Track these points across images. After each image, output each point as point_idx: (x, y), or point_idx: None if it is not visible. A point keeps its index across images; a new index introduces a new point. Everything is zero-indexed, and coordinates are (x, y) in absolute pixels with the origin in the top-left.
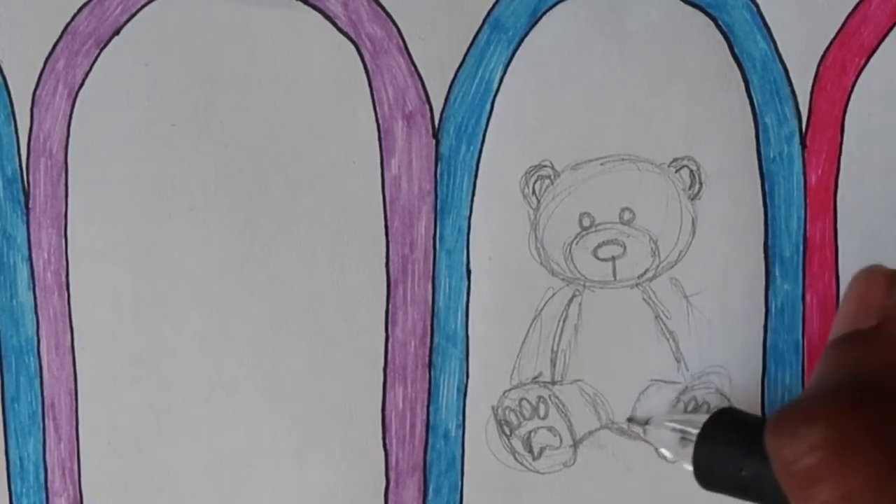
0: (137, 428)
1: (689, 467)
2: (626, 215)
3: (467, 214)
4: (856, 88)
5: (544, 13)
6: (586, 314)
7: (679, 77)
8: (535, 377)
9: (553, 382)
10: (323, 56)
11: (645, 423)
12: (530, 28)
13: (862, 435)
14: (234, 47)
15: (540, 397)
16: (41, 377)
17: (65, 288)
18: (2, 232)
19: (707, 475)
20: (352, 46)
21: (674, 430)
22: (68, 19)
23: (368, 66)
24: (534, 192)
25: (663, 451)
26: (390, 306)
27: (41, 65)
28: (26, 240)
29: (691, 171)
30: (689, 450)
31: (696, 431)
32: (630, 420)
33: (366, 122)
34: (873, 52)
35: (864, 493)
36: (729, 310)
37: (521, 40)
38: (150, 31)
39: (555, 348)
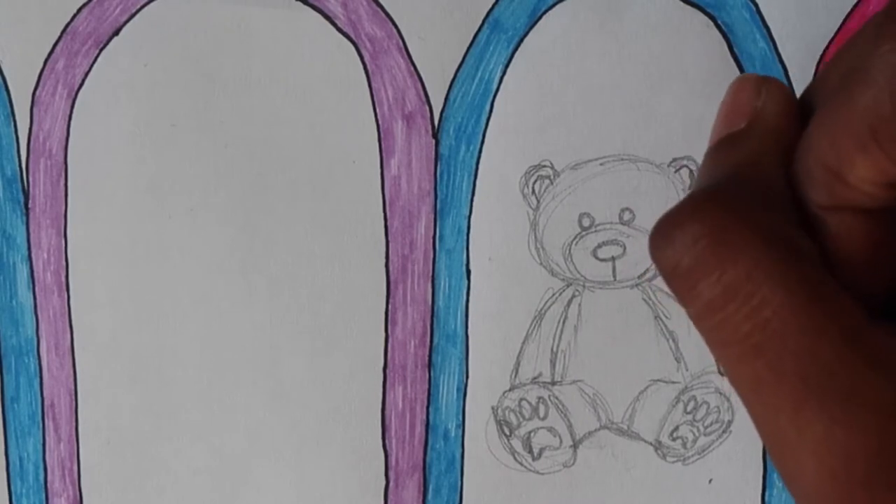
0: (137, 428)
1: None
2: (626, 215)
3: (467, 214)
4: None
5: (544, 13)
6: (586, 314)
7: (678, 77)
8: (535, 377)
9: (553, 383)
10: (323, 56)
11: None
12: (530, 28)
13: (735, 225)
14: (234, 47)
15: (540, 398)
16: (41, 377)
17: (64, 288)
18: (1, 232)
19: None
20: (351, 47)
21: None
22: (68, 19)
23: (368, 67)
24: (533, 192)
25: None
26: (390, 306)
27: (41, 65)
28: (26, 240)
29: (691, 171)
30: None
31: None
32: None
33: (366, 122)
34: None
35: (744, 282)
36: None
37: (521, 40)
38: (149, 31)
39: (554, 349)
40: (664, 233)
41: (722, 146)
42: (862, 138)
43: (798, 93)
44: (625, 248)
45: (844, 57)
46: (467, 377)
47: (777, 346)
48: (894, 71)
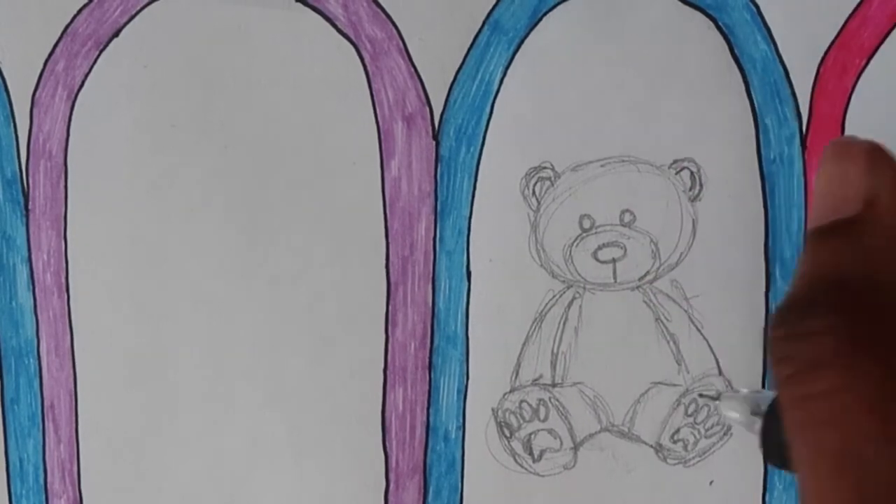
0: (137, 428)
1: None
2: (627, 217)
3: (467, 216)
4: (856, 90)
5: (544, 14)
6: (587, 316)
7: (679, 78)
8: (536, 379)
9: (553, 385)
10: (323, 57)
11: (717, 396)
12: (530, 29)
13: (855, 348)
14: (234, 48)
15: (540, 400)
16: (41, 378)
17: (64, 289)
18: (1, 233)
19: (772, 449)
20: (352, 48)
21: (745, 399)
22: (68, 21)
23: (368, 68)
24: (534, 193)
25: (735, 416)
26: (390, 308)
27: (41, 66)
28: (26, 241)
29: (692, 172)
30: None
31: (765, 406)
32: (701, 395)
33: (366, 123)
34: (873, 53)
35: (854, 407)
36: (729, 311)
37: (521, 42)
38: (149, 32)
39: (555, 350)
40: (785, 339)
41: (833, 234)
42: None
43: (799, 96)
44: (625, 250)
45: None
46: (468, 379)
47: (863, 471)
48: None
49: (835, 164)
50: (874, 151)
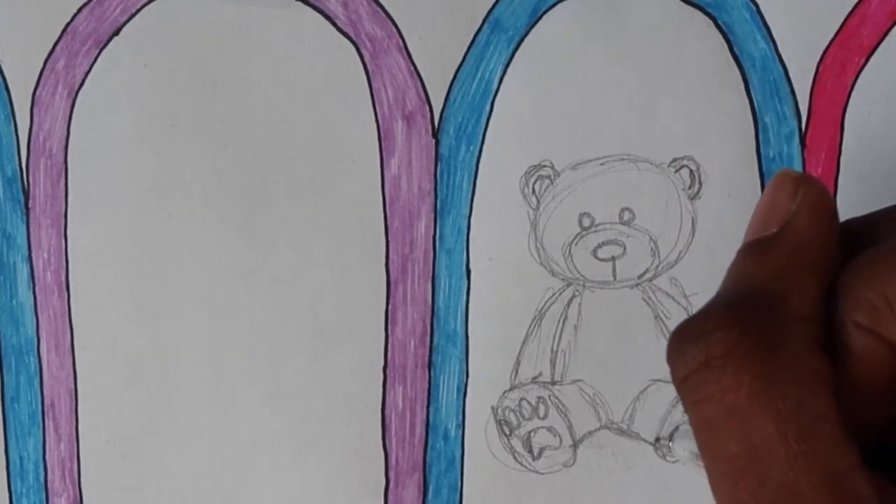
0: (137, 428)
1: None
2: (626, 215)
3: (467, 214)
4: (855, 88)
5: (544, 13)
6: (586, 314)
7: (679, 77)
8: (535, 377)
9: (553, 382)
10: (323, 56)
11: (670, 437)
12: (530, 28)
13: (746, 349)
14: (234, 47)
15: (539, 397)
16: (41, 377)
17: (64, 288)
18: (2, 232)
19: None
20: (352, 46)
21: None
22: (68, 19)
23: (368, 67)
24: (534, 191)
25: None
26: (390, 306)
27: (41, 65)
28: (26, 240)
29: (691, 170)
30: None
31: None
32: (657, 440)
33: (366, 122)
34: (873, 51)
35: (744, 406)
36: None
37: (521, 40)
38: (149, 31)
39: (554, 348)
40: (678, 345)
41: (750, 251)
42: None
43: (799, 94)
44: (625, 248)
45: None
46: (467, 377)
47: (760, 473)
48: None
49: (768, 190)
50: (802, 180)
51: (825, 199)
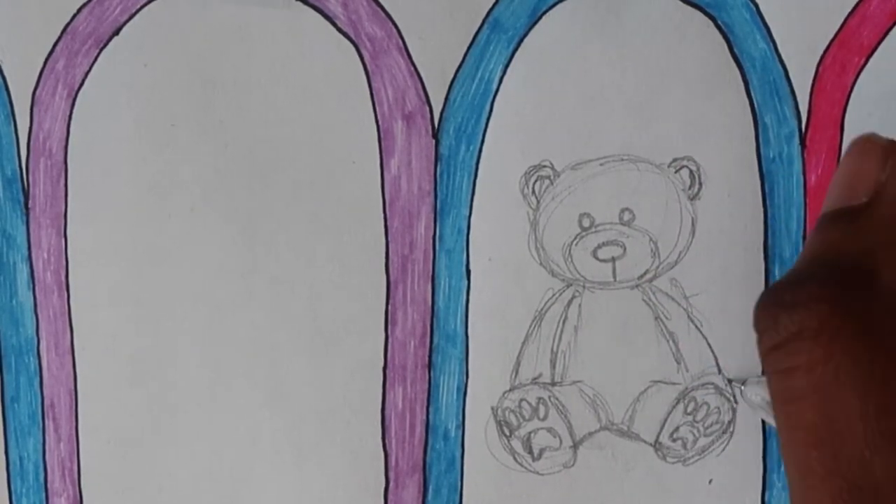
0: (137, 428)
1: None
2: (626, 216)
3: (467, 215)
4: (855, 88)
5: (544, 13)
6: (586, 315)
7: (679, 77)
8: (535, 378)
9: (553, 383)
10: (323, 56)
11: (742, 382)
12: (530, 28)
13: (839, 323)
14: (234, 47)
15: (540, 398)
16: (41, 377)
17: (64, 288)
18: (1, 232)
19: None
20: (351, 46)
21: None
22: (68, 19)
23: (368, 67)
24: (533, 192)
25: (758, 401)
26: (390, 306)
27: (41, 65)
28: (26, 240)
29: (691, 171)
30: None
31: None
32: (730, 381)
33: (365, 122)
34: (873, 51)
35: (831, 381)
36: (729, 310)
37: (521, 40)
38: (149, 31)
39: (554, 349)
40: (771, 311)
41: (838, 220)
42: None
43: (799, 95)
44: (625, 249)
45: None
46: (467, 377)
47: (835, 446)
48: None
49: (852, 157)
50: (890, 148)
51: None
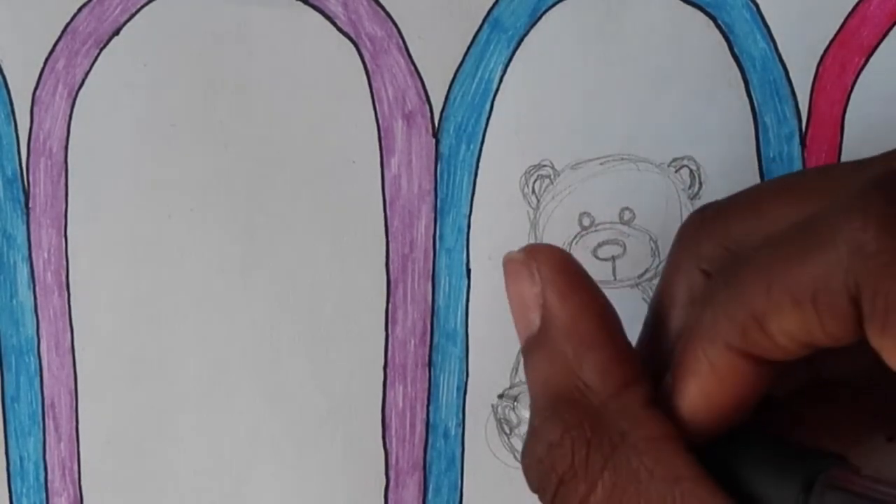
0: (137, 428)
1: None
2: (626, 215)
3: (467, 214)
4: (856, 88)
5: (544, 13)
6: None
7: (679, 77)
8: None
9: None
10: (323, 56)
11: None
12: (530, 28)
13: (583, 453)
14: (234, 47)
15: None
16: (41, 377)
17: (65, 288)
18: (2, 232)
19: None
20: (352, 46)
21: None
22: (68, 19)
23: (368, 66)
24: (533, 191)
25: None
26: (390, 305)
27: (41, 65)
28: (26, 239)
29: (691, 170)
30: None
31: None
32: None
33: (366, 121)
34: (873, 51)
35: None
36: None
37: (521, 40)
38: (149, 31)
39: None
40: (530, 472)
41: (528, 355)
42: (801, 297)
43: (799, 95)
44: (625, 248)
45: (801, 197)
46: (467, 376)
47: None
48: (856, 249)
49: (511, 285)
50: (529, 253)
51: (559, 259)
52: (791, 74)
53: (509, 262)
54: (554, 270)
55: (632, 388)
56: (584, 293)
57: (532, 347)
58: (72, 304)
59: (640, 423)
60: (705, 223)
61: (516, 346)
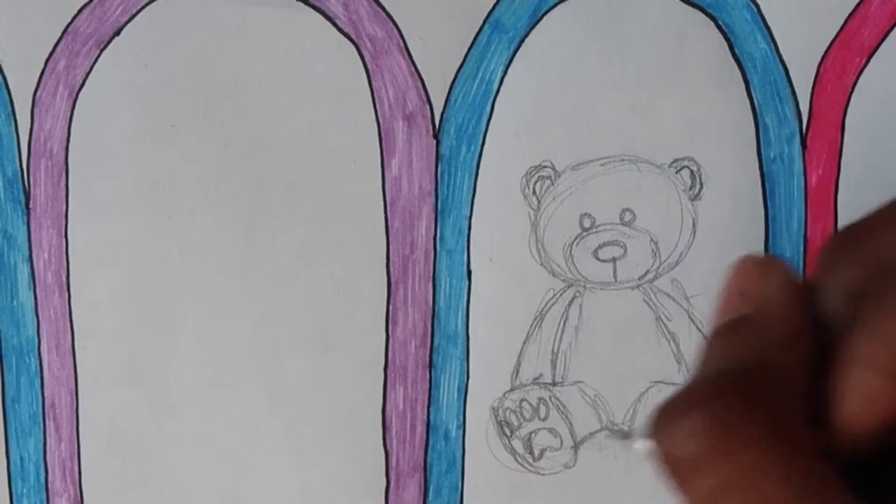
0: (137, 428)
1: None
2: (627, 216)
3: (468, 215)
4: (856, 89)
5: (544, 14)
6: (587, 315)
7: (679, 77)
8: (536, 378)
9: (553, 384)
10: (323, 56)
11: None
12: (530, 29)
13: (737, 420)
14: (234, 47)
15: (540, 398)
16: (42, 377)
17: (65, 288)
18: (2, 232)
19: None
20: (352, 47)
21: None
22: (69, 20)
23: (369, 67)
24: (534, 192)
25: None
26: (391, 307)
27: (42, 65)
28: (27, 240)
29: (692, 171)
30: None
31: None
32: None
33: (366, 122)
34: (873, 52)
35: (741, 479)
36: None
37: (522, 41)
38: (150, 31)
39: (555, 349)
40: (666, 421)
41: (725, 332)
42: None
43: (799, 95)
44: (626, 249)
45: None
46: (468, 377)
47: None
48: None
49: (732, 279)
50: (768, 260)
51: (791, 275)
52: (792, 75)
53: (745, 260)
54: (786, 282)
55: (804, 396)
56: (802, 315)
57: (729, 328)
58: (72, 304)
59: (803, 427)
60: (848, 242)
61: (517, 347)
